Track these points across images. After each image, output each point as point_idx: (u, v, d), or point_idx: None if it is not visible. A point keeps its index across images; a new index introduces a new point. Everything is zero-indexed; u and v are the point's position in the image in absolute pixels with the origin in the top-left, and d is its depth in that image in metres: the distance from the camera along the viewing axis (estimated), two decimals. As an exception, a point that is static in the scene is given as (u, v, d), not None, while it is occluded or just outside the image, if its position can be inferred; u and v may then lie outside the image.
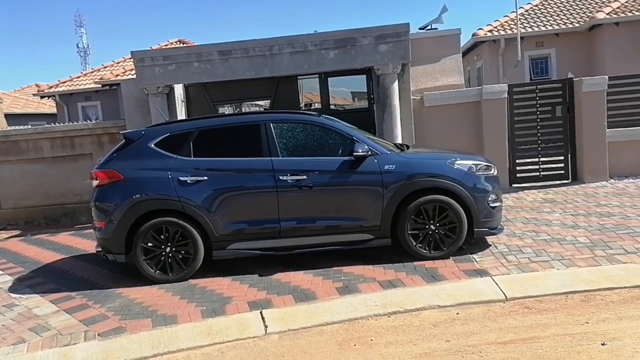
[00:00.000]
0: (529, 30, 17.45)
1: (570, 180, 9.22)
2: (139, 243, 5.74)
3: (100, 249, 6.08)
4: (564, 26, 17.43)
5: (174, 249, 5.79)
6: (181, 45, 19.46)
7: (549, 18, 18.05)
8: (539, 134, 9.19)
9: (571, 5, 18.62)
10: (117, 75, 18.25)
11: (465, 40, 18.39)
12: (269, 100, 9.88)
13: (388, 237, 5.83)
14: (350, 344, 4.24)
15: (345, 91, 10.43)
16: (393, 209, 5.72)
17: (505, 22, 18.13)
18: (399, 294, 4.99)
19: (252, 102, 10.55)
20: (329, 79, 9.70)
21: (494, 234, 6.00)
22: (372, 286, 5.17)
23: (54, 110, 22.65)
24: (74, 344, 4.55)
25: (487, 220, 5.84)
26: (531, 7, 18.83)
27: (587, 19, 17.02)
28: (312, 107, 10.09)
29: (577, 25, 17.24)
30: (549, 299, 4.73)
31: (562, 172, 9.27)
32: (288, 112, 6.62)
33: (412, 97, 9.26)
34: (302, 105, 9.98)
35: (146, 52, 9.28)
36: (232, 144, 6.03)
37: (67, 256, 7.54)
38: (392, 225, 5.78)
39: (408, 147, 6.77)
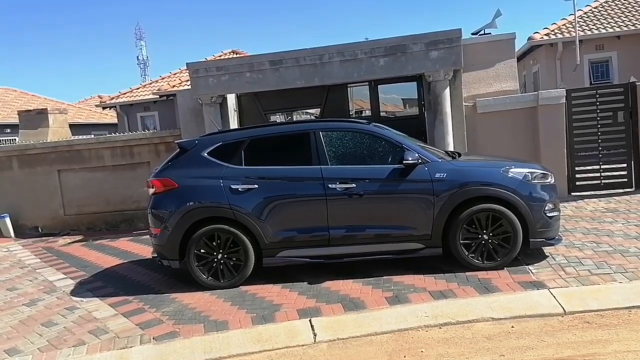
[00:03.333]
0: (588, 33, 16.80)
1: (633, 189, 8.77)
2: (192, 249, 5.88)
3: (155, 255, 6.27)
4: (625, 28, 16.67)
5: (225, 256, 5.89)
6: (234, 55, 19.90)
7: (610, 20, 17.32)
8: (599, 141, 8.81)
9: (633, 7, 17.77)
10: (174, 86, 18.86)
11: (520, 44, 17.91)
12: (319, 108, 9.94)
13: (439, 246, 5.72)
14: (400, 355, 4.18)
15: (395, 98, 10.35)
16: (444, 218, 5.62)
17: (563, 24, 17.52)
18: (450, 305, 4.88)
19: (303, 110, 10.64)
20: (379, 86, 9.65)
21: (551, 244, 5.79)
22: (423, 296, 5.09)
23: (115, 120, 23.65)
24: (131, 347, 4.71)
25: (544, 230, 5.63)
26: (590, 9, 18.14)
27: (652, 20, 16.23)
28: (362, 115, 10.07)
29: (641, 26, 16.46)
30: (610, 314, 4.51)
31: (625, 180, 8.84)
32: (337, 121, 6.64)
33: (464, 103, 9.08)
34: (352, 112, 9.98)
35: (200, 64, 9.55)
36: (282, 152, 6.11)
37: (125, 261, 7.82)
38: (443, 234, 5.68)
39: (460, 155, 6.63)
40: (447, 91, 8.85)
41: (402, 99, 10.37)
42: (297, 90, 9.39)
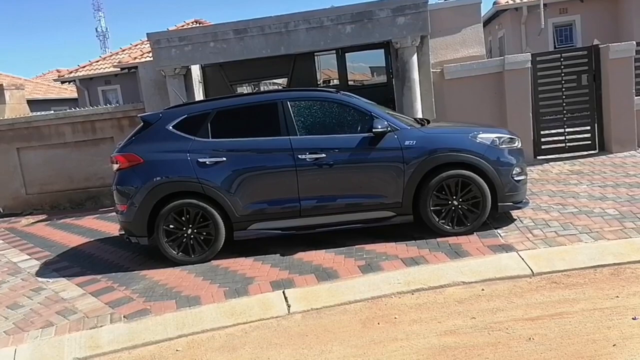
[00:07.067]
0: (553, -4, 16.88)
1: (597, 151, 8.97)
2: (160, 225, 5.77)
3: (123, 232, 6.14)
4: (589, -9, 16.82)
5: (195, 231, 5.80)
6: (197, 25, 19.32)
7: (573, -17, 17.42)
8: (564, 104, 8.92)
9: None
10: (135, 58, 18.24)
11: (486, 9, 17.94)
12: (286, 78, 9.77)
13: (410, 213, 5.75)
14: (374, 323, 4.21)
15: (363, 66, 10.25)
16: (415, 185, 5.63)
17: (528, -12, 17.55)
18: (422, 271, 4.93)
19: (270, 81, 10.45)
20: (346, 54, 9.52)
21: (519, 208, 5.88)
22: (395, 264, 5.12)
23: (75, 95, 22.85)
24: (101, 326, 4.62)
25: (512, 194, 5.71)
26: (554, -28, 18.19)
27: (614, -17, 16.40)
28: (330, 84, 9.95)
29: (603, -11, 16.63)
30: (577, 273, 4.63)
31: (589, 142, 9.02)
32: (305, 90, 6.54)
33: (432, 70, 9.05)
34: (320, 82, 9.84)
35: (162, 34, 9.23)
36: (250, 123, 5.98)
37: (92, 239, 7.64)
38: (414, 201, 5.70)
39: (428, 122, 6.62)
40: (415, 58, 8.80)
41: (369, 67, 10.27)
42: (263, 60, 9.19)
